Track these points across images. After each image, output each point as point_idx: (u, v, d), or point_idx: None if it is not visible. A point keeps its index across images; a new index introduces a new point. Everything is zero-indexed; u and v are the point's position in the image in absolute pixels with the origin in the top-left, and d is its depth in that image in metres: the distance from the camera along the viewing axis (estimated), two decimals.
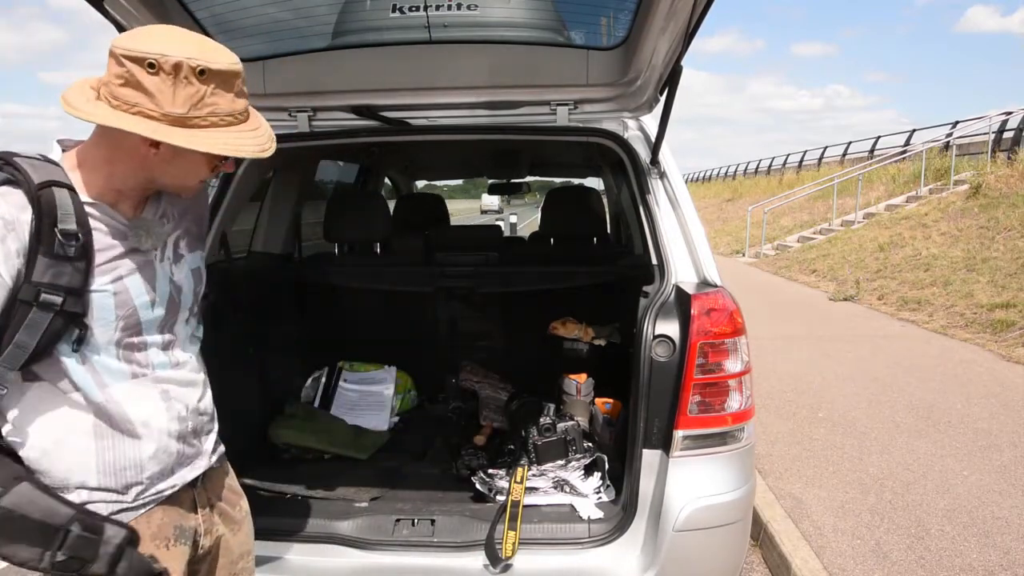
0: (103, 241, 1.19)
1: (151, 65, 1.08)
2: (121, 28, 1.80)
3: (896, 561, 2.88)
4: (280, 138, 2.47)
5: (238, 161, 1.23)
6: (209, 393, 1.41)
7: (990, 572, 2.80)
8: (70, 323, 1.14)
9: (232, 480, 1.52)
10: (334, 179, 4.64)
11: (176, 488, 1.31)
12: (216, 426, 1.43)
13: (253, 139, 1.19)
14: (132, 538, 1.21)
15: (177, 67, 1.08)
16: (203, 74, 1.10)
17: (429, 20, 2.12)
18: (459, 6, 2.09)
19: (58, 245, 1.11)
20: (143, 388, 1.25)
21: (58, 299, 1.11)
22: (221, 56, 1.14)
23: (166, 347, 1.30)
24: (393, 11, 2.12)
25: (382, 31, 2.22)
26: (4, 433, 1.18)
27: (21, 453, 1.18)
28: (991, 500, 3.41)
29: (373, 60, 2.26)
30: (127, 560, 1.19)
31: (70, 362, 1.17)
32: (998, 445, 4.13)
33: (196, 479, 1.36)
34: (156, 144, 1.13)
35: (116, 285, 1.19)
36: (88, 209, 1.17)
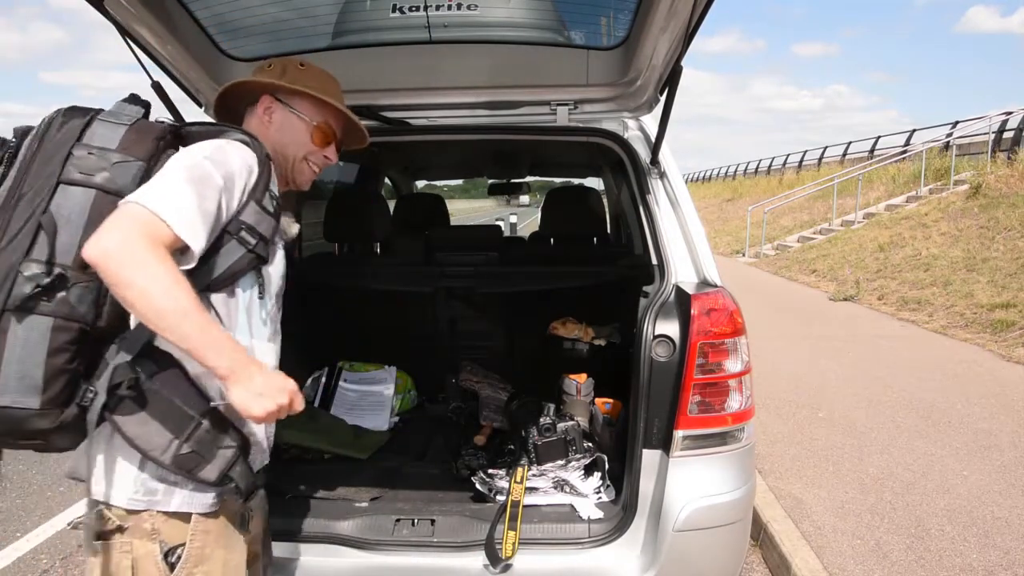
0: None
1: (270, 64, 1.55)
2: (121, 28, 1.80)
3: (896, 561, 2.88)
4: None
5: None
6: None
7: (990, 572, 2.80)
8: (253, 267, 1.32)
9: None
10: (334, 179, 4.64)
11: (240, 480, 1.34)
12: None
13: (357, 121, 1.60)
14: (246, 448, 1.30)
15: (287, 63, 1.54)
16: (302, 65, 1.55)
17: (429, 20, 2.12)
18: (459, 6, 2.09)
19: (268, 199, 1.33)
20: (270, 350, 1.41)
21: (253, 240, 1.29)
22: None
23: (276, 319, 1.45)
24: (393, 11, 2.12)
25: (382, 31, 2.22)
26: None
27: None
28: (991, 500, 3.41)
29: (373, 60, 2.26)
30: (240, 467, 1.27)
31: (242, 305, 1.33)
32: (998, 445, 4.13)
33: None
34: (267, 112, 1.50)
35: (283, 248, 1.45)
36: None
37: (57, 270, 1.12)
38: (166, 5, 1.92)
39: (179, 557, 1.26)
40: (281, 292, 1.46)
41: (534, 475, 2.21)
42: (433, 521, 1.98)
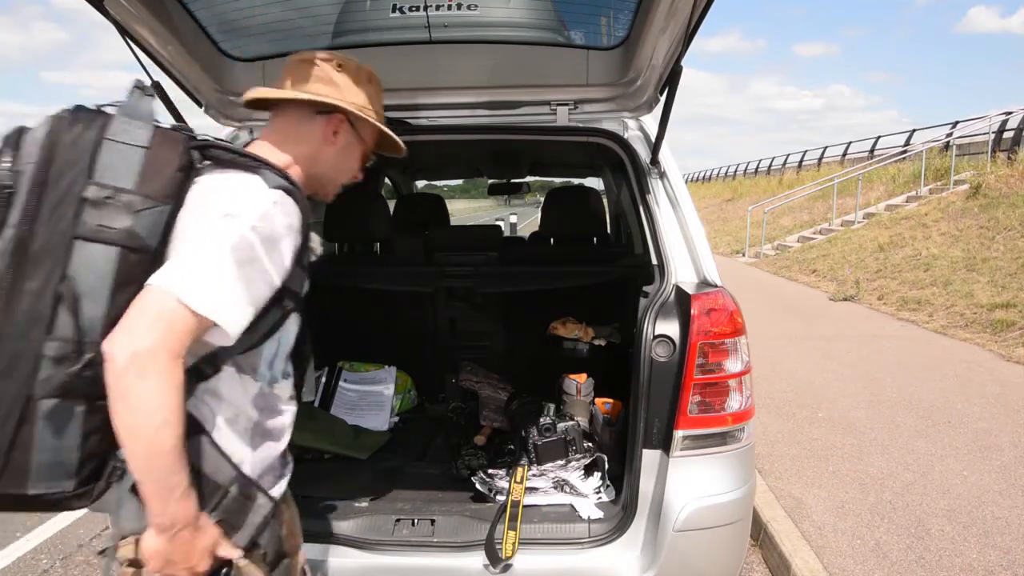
0: None
1: (339, 65, 1.35)
2: (121, 28, 1.80)
3: (896, 561, 2.88)
4: None
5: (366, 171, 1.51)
6: None
7: (990, 572, 2.80)
8: (285, 319, 1.21)
9: None
10: None
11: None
12: None
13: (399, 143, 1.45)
14: (276, 513, 1.27)
15: (358, 68, 1.38)
16: (371, 80, 1.41)
17: (429, 20, 2.12)
18: (459, 6, 2.09)
19: (305, 255, 1.20)
20: (288, 384, 1.32)
21: (291, 303, 1.19)
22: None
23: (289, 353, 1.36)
24: (393, 11, 2.12)
25: (382, 31, 2.22)
26: (189, 405, 1.14)
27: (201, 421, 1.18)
28: (991, 500, 3.41)
29: (373, 60, 2.25)
30: (270, 532, 1.24)
31: (266, 355, 1.23)
32: (998, 445, 4.13)
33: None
34: (336, 132, 1.34)
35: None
36: None
37: (88, 354, 1.01)
38: (166, 5, 1.92)
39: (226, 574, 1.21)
40: (299, 328, 1.34)
41: (534, 475, 2.21)
42: (433, 521, 1.98)
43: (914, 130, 20.25)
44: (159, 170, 1.06)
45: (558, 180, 6.05)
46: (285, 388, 1.30)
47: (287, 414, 1.31)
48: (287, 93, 1.31)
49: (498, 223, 5.28)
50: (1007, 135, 15.05)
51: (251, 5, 2.05)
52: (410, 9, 2.10)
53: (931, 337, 7.20)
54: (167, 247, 1.08)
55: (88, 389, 1.02)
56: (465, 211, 31.19)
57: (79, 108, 1.09)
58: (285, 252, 1.13)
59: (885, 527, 3.16)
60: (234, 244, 1.07)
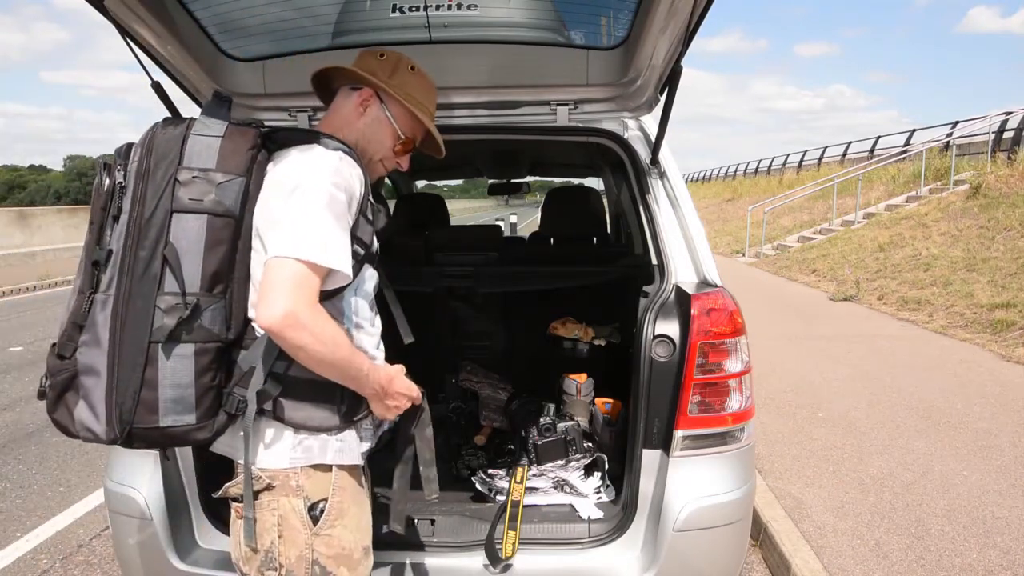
0: None
1: (381, 55, 1.54)
2: (121, 28, 1.80)
3: (896, 561, 2.88)
4: None
5: (413, 164, 1.65)
6: None
7: (990, 572, 2.80)
8: (360, 268, 1.41)
9: None
10: None
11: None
12: None
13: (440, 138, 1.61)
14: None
15: (399, 58, 1.55)
16: (413, 70, 1.56)
17: (429, 20, 2.12)
18: (459, 6, 2.09)
19: (368, 208, 1.41)
20: (372, 334, 1.52)
21: (361, 251, 1.39)
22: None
23: (372, 306, 1.55)
24: (393, 11, 2.12)
25: (382, 31, 2.22)
26: None
27: None
28: (991, 500, 3.41)
29: None
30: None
31: (350, 299, 1.42)
32: (998, 445, 4.13)
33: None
34: (364, 105, 1.51)
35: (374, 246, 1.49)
36: None
37: (191, 300, 1.22)
38: (166, 5, 1.92)
39: (321, 511, 1.38)
40: (376, 281, 1.53)
41: (534, 475, 2.22)
42: (433, 521, 1.98)
43: (914, 130, 20.29)
44: (234, 151, 1.28)
45: (558, 180, 6.06)
46: (369, 336, 1.50)
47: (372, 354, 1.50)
48: (327, 64, 1.54)
49: (498, 223, 5.28)
50: (1007, 135, 15.05)
51: (251, 5, 2.05)
52: (410, 9, 2.09)
53: (931, 337, 7.20)
54: (248, 214, 1.29)
55: (194, 333, 1.23)
56: (465, 211, 31.17)
57: (170, 117, 1.35)
58: (355, 200, 1.35)
59: (885, 527, 3.16)
60: (326, 202, 1.27)
